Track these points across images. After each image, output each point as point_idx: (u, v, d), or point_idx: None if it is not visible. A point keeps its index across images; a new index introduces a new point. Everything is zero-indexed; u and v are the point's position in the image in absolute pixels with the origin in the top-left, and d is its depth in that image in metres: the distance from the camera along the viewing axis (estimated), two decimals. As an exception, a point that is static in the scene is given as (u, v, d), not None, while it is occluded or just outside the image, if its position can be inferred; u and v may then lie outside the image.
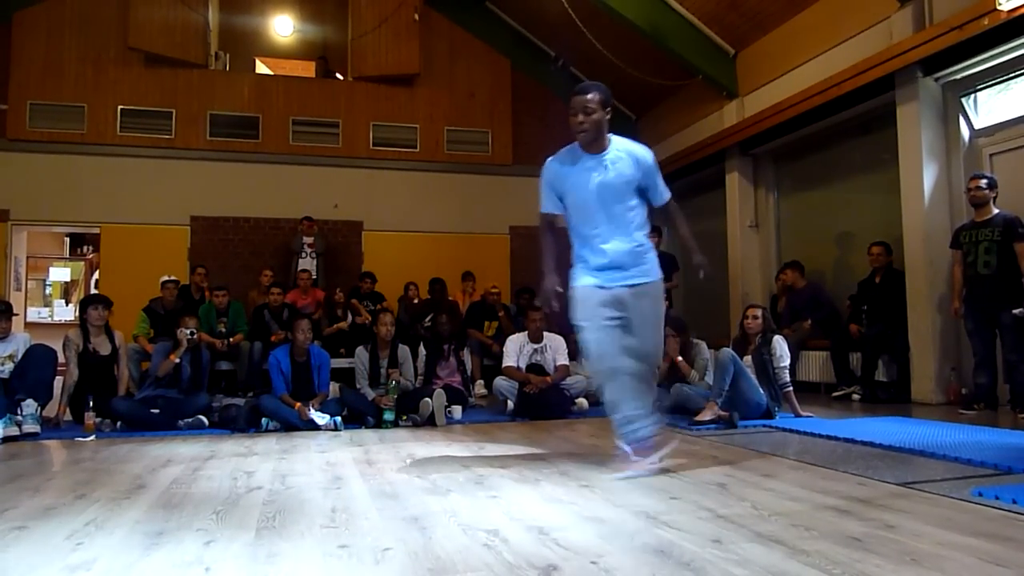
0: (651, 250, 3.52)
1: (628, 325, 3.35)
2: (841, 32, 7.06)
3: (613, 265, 3.37)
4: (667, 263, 8.16)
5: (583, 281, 3.38)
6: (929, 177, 6.06)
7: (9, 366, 5.10)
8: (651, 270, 3.47)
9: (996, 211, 5.23)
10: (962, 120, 6.07)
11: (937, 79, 6.06)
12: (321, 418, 5.05)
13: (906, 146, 6.20)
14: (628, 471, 3.16)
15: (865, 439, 3.93)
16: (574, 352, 6.55)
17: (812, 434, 4.28)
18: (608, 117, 3.37)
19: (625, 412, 3.23)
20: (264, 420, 5.14)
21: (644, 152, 3.49)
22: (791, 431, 4.47)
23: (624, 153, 3.43)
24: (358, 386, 5.57)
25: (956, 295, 5.47)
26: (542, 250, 3.52)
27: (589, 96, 3.32)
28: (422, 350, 6.11)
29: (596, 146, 3.40)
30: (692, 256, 3.65)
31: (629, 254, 3.39)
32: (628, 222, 3.42)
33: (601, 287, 3.35)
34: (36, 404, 4.90)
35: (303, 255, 8.98)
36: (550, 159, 3.50)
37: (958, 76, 5.95)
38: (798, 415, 5.01)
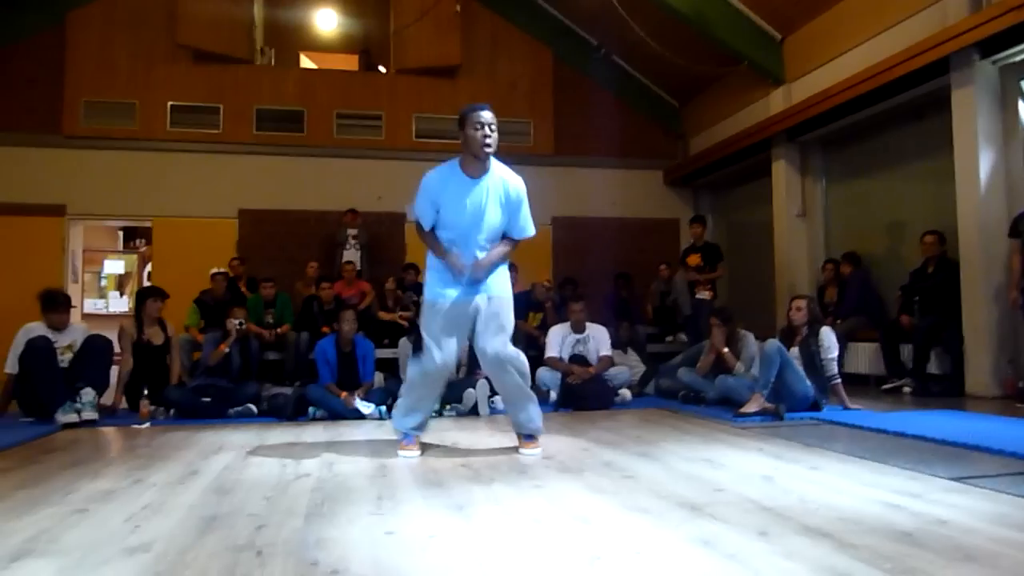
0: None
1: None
2: (893, 15, 6.87)
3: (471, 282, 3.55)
4: (713, 253, 8.16)
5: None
6: (985, 164, 5.88)
7: (68, 356, 5.26)
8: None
9: (1057, 198, 5.05)
10: (1021, 104, 5.87)
11: (994, 62, 5.86)
12: (366, 407, 5.13)
13: (961, 132, 6.02)
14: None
15: (916, 433, 3.85)
16: (617, 342, 6.54)
17: (861, 427, 4.20)
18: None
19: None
20: (311, 409, 5.24)
21: (518, 184, 3.60)
22: (839, 424, 4.40)
23: (500, 181, 3.52)
24: (402, 376, 5.62)
25: (1014, 285, 5.31)
26: (433, 246, 3.62)
27: (492, 116, 3.42)
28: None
29: (481, 168, 3.47)
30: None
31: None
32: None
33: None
34: (94, 392, 5.05)
35: (347, 247, 9.08)
36: (433, 173, 3.54)
37: (1017, 59, 5.74)
38: (846, 408, 4.92)
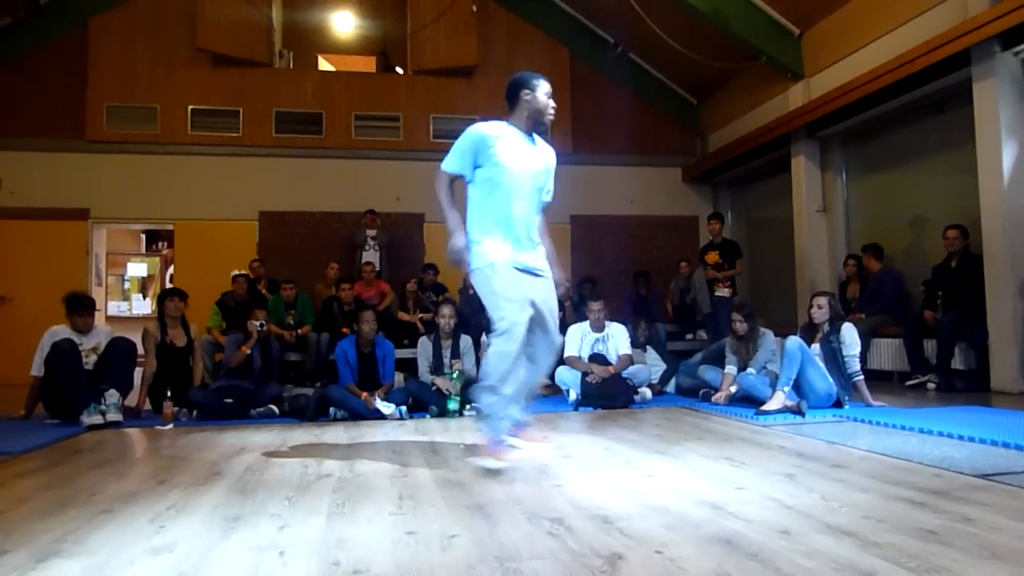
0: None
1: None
2: (912, 7, 6.78)
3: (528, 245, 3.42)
4: (731, 250, 8.11)
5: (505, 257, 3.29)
6: (1008, 156, 5.79)
7: (93, 358, 5.33)
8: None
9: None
10: (1044, 95, 5.78)
11: (1016, 53, 5.77)
12: (387, 407, 5.14)
13: (983, 124, 5.94)
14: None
15: (941, 430, 3.80)
16: (636, 341, 6.52)
17: (884, 424, 4.16)
18: None
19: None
20: (332, 409, 5.27)
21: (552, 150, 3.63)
22: (862, 421, 4.36)
23: (545, 144, 3.56)
24: (421, 376, 5.65)
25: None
26: (446, 206, 3.38)
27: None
28: (484, 340, 6.15)
29: (531, 130, 3.49)
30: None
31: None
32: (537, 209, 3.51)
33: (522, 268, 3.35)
34: (118, 394, 5.11)
35: (367, 247, 9.13)
36: (483, 125, 3.38)
37: (1040, 49, 5.66)
38: (869, 405, 4.87)
